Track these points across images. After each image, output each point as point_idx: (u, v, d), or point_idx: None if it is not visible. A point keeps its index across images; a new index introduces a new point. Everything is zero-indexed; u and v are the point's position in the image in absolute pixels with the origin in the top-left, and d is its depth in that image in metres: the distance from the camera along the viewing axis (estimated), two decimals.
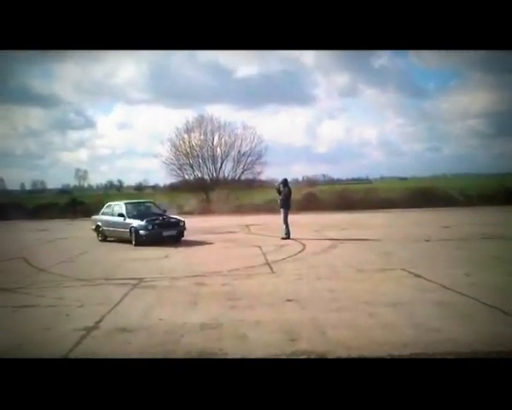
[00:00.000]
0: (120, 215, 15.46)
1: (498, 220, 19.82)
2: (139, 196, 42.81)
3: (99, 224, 16.50)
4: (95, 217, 17.31)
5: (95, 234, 16.58)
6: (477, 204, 28.81)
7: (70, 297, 7.80)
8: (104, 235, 16.32)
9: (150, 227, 14.64)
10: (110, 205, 16.75)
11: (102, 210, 17.02)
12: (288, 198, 15.55)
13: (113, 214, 16.00)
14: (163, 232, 14.86)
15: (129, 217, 15.27)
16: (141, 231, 14.57)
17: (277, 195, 15.83)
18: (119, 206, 16.15)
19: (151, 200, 19.43)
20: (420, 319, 6.03)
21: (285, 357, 4.81)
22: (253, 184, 37.27)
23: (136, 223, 14.82)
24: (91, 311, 6.86)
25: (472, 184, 37.78)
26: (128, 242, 14.92)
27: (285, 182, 15.83)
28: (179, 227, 15.46)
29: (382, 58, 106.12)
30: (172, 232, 15.15)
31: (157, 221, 15.07)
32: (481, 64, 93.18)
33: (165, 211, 16.84)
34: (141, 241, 14.50)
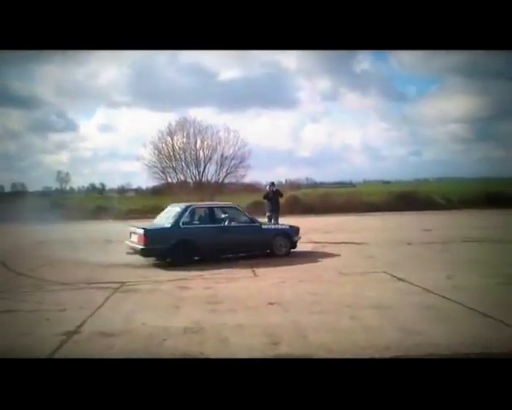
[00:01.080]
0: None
1: (479, 224, 20.08)
2: (123, 200, 42.60)
3: None
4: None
5: (77, 237, 16.34)
6: (458, 208, 29.19)
7: (50, 302, 7.70)
8: None
9: None
10: (173, 207, 12.48)
11: (162, 214, 12.76)
12: (273, 202, 15.54)
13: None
14: None
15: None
16: None
17: (266, 200, 15.78)
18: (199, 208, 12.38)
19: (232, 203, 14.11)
20: (402, 322, 6.06)
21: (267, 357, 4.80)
22: (237, 188, 37.27)
23: None
24: (72, 315, 6.77)
25: (453, 188, 38.29)
26: None
27: (272, 185, 15.88)
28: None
29: (364, 62, 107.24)
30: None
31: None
32: (461, 70, 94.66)
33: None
34: None
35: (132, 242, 11.59)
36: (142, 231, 11.09)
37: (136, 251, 11.33)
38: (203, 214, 12.18)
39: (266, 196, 15.57)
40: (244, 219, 12.40)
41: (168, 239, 11.10)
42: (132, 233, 11.76)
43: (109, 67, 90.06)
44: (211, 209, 12.30)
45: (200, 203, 14.01)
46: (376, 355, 4.84)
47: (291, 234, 12.59)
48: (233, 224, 11.97)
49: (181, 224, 11.38)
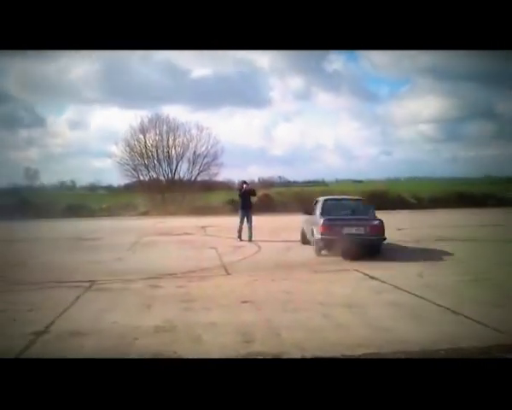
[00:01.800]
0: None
1: (449, 223, 20.47)
2: (95, 197, 42.03)
3: None
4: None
5: (48, 235, 16.02)
6: (429, 207, 29.68)
7: (18, 302, 7.51)
8: None
9: None
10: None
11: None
12: (246, 199, 15.61)
13: None
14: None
15: None
16: None
17: (238, 197, 15.92)
18: None
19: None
20: (373, 319, 6.12)
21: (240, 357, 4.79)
22: (210, 186, 37.18)
23: None
24: (41, 315, 6.62)
25: (424, 187, 38.93)
26: None
27: (245, 183, 15.99)
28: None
29: (336, 62, 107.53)
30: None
31: None
32: (431, 71, 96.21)
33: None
34: None
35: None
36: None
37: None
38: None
39: (240, 194, 15.64)
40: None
41: None
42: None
43: (79, 63, 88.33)
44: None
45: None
46: (347, 352, 4.87)
47: None
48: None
49: None
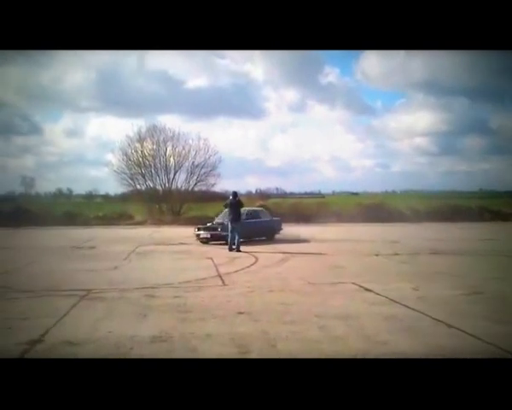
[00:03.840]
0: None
1: (445, 236, 20.52)
2: (91, 205, 41.97)
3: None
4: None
5: (44, 243, 16.01)
6: (425, 220, 29.74)
7: (13, 310, 7.48)
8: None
9: None
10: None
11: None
12: (235, 210, 15.72)
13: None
14: None
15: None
16: None
17: (224, 207, 16.16)
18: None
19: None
20: (369, 332, 6.12)
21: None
22: (207, 196, 37.16)
23: None
24: (36, 324, 6.59)
25: (420, 200, 39.02)
26: None
27: (234, 194, 16.02)
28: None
29: (330, 76, 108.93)
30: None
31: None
32: (424, 86, 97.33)
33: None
34: None
35: None
36: None
37: None
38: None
39: (227, 205, 15.84)
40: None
41: None
42: None
43: (75, 72, 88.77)
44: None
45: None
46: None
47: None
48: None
49: None
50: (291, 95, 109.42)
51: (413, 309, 7.30)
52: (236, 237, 15.36)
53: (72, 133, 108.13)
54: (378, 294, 8.46)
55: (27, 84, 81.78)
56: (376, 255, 13.99)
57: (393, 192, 69.67)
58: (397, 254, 14.14)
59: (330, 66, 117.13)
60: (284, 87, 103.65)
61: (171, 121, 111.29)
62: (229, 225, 15.54)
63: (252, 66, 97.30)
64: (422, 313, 7.06)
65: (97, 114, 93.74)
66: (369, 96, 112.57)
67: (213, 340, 5.80)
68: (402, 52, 78.20)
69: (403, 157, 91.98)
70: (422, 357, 5.05)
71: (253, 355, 5.20)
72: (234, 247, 15.33)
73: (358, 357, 5.04)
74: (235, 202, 15.76)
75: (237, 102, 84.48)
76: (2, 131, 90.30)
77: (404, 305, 7.58)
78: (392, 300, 7.97)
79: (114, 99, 78.05)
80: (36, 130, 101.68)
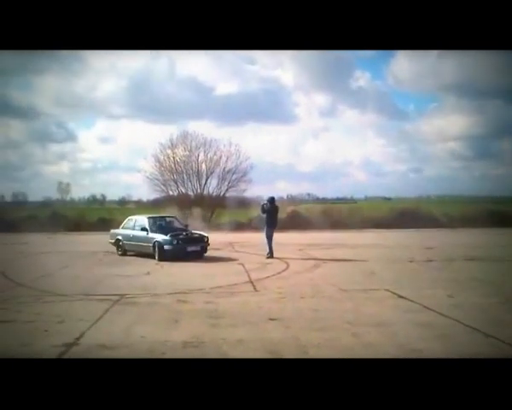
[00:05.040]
0: (143, 229, 15.30)
1: (481, 242, 20.02)
2: (124, 211, 42.55)
3: (119, 238, 16.33)
4: (114, 231, 17.10)
5: (78, 248, 16.33)
6: (460, 226, 29.11)
7: (49, 313, 7.65)
8: (124, 249, 16.14)
9: (175, 242, 14.49)
10: (131, 219, 16.61)
11: (123, 224, 16.89)
12: (273, 216, 15.55)
13: (134, 228, 15.92)
14: (187, 248, 14.74)
15: (152, 231, 15.17)
16: (165, 246, 14.42)
17: (261, 213, 15.80)
18: (142, 220, 15.98)
19: (173, 215, 19.54)
20: (402, 339, 6.02)
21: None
22: (238, 202, 37.23)
23: (159, 237, 14.68)
24: (71, 327, 6.73)
25: (455, 205, 38.26)
26: (150, 256, 14.79)
27: (271, 200, 15.78)
28: (203, 243, 15.34)
29: (360, 80, 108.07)
30: (196, 248, 15.05)
31: (181, 236, 14.89)
32: (455, 89, 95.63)
33: (186, 226, 16.74)
34: (164, 256, 14.35)
35: None
36: None
37: None
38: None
39: (264, 210, 15.56)
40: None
41: None
42: None
43: (107, 80, 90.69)
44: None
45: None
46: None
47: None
48: None
49: None
50: (321, 99, 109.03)
51: (448, 317, 7.14)
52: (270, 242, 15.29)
53: (106, 140, 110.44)
54: (412, 301, 8.31)
55: (62, 93, 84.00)
56: (411, 262, 13.75)
57: (428, 197, 68.39)
58: (431, 261, 13.87)
59: (361, 70, 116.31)
60: (314, 92, 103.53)
61: (201, 127, 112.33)
62: (268, 231, 15.43)
63: (281, 71, 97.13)
64: (458, 320, 6.90)
65: (129, 120, 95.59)
66: (400, 99, 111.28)
67: (244, 346, 5.81)
68: (433, 54, 76.95)
69: (436, 161, 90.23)
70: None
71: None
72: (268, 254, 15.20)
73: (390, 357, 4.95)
74: (272, 208, 15.62)
75: (267, 108, 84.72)
76: (39, 138, 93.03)
77: (438, 312, 7.43)
78: (426, 307, 7.82)
79: (146, 106, 79.41)
80: (71, 137, 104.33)
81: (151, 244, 14.80)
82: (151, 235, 14.99)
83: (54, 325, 6.87)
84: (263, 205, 15.70)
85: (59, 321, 7.10)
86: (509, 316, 7.27)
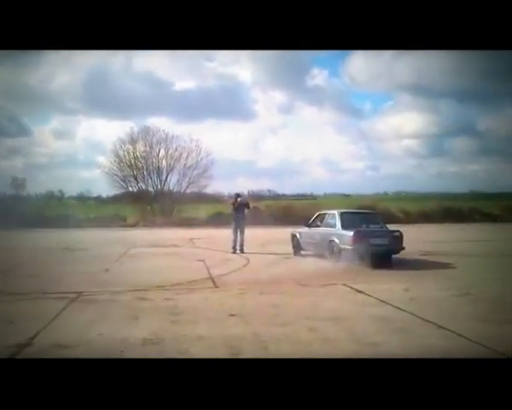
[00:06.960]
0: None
1: (436, 237, 20.60)
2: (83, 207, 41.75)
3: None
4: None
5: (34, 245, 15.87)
6: (416, 222, 29.85)
7: (1, 313, 7.41)
8: None
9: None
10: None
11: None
12: (242, 211, 15.87)
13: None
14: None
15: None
16: None
17: (232, 210, 16.00)
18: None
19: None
20: (360, 333, 6.13)
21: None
22: (199, 198, 37.13)
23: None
24: (25, 327, 6.53)
25: (411, 202, 39.20)
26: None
27: (239, 196, 16.11)
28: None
29: (317, 78, 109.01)
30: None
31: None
32: (410, 88, 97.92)
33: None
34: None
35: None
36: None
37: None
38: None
39: (234, 207, 15.78)
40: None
41: None
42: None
43: (61, 74, 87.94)
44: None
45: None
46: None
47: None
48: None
49: None
50: (279, 96, 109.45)
51: (404, 310, 7.31)
52: (242, 238, 15.58)
53: (62, 135, 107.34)
54: (370, 295, 8.47)
55: (14, 86, 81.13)
56: None
57: (385, 194, 69.85)
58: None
59: (318, 68, 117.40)
60: (272, 89, 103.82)
61: (161, 123, 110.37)
62: (234, 226, 15.65)
63: (239, 68, 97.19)
64: (413, 314, 7.08)
65: (86, 115, 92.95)
66: (357, 98, 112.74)
67: (205, 342, 5.77)
68: (388, 54, 78.37)
69: (393, 159, 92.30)
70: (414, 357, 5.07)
71: (245, 358, 5.19)
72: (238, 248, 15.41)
73: (350, 357, 5.04)
74: (241, 204, 15.91)
75: (226, 104, 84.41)
76: None
77: (394, 306, 7.59)
78: (383, 301, 7.98)
79: (103, 101, 77.61)
80: (24, 131, 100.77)
81: None
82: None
83: (6, 326, 6.65)
84: (233, 201, 15.92)
85: (11, 321, 6.88)
86: (462, 308, 7.49)
